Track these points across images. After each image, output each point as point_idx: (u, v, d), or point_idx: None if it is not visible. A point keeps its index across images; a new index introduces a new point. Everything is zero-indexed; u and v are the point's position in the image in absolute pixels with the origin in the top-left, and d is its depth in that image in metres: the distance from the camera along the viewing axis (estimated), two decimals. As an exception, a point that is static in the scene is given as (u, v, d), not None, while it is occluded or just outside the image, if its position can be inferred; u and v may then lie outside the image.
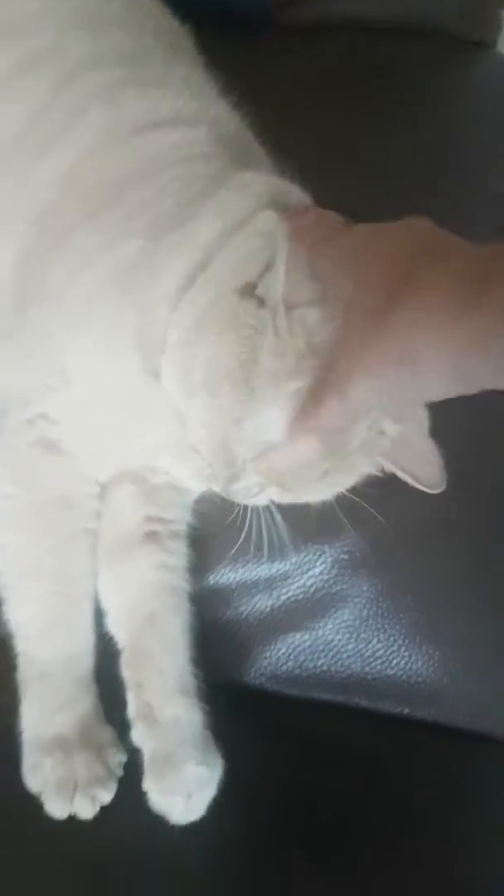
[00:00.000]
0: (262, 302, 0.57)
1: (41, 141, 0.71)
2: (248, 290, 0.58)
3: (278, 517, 0.66)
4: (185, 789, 0.64)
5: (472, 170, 1.00)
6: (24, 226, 0.70)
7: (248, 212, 0.62)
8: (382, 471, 0.62)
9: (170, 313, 0.62)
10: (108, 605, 0.73)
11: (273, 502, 0.65)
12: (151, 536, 0.73)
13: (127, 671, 0.70)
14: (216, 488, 0.62)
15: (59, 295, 0.68)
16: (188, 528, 0.77)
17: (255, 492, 0.62)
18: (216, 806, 0.66)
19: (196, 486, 0.73)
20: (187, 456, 0.64)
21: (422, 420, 0.61)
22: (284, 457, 0.57)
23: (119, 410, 0.69)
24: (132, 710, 0.68)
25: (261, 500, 0.63)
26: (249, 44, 0.91)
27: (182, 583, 0.74)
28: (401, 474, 0.61)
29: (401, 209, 0.57)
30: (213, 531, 0.78)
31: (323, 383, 0.54)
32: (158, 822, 0.66)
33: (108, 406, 0.69)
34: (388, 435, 0.60)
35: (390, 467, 0.61)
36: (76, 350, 0.68)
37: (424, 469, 0.61)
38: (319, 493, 0.62)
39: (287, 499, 0.63)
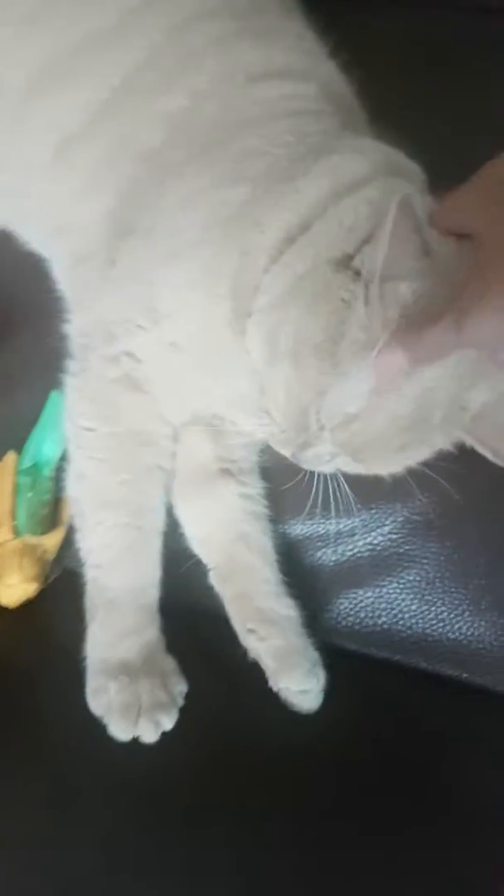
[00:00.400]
0: (357, 275, 0.57)
1: (153, 85, 0.72)
2: (344, 262, 0.58)
3: (342, 479, 0.66)
4: (315, 672, 0.71)
5: None
6: (131, 163, 0.72)
7: (360, 177, 0.62)
8: (459, 446, 0.62)
9: (268, 265, 0.63)
10: (195, 532, 0.77)
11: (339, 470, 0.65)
12: (225, 472, 0.77)
13: (226, 585, 0.75)
14: (285, 453, 0.63)
15: (162, 229, 0.69)
16: (257, 467, 0.78)
17: (325, 460, 0.62)
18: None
19: (262, 438, 0.73)
20: (259, 414, 0.65)
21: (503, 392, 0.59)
22: (364, 427, 0.58)
23: (203, 358, 0.70)
24: (241, 619, 0.74)
25: (328, 469, 0.64)
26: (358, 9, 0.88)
27: (263, 509, 0.78)
28: (480, 449, 0.60)
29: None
30: (277, 486, 0.79)
31: (430, 315, 0.53)
32: (216, 754, 0.68)
33: (193, 352, 0.70)
34: (469, 410, 0.59)
35: (470, 442, 0.60)
36: (172, 287, 0.69)
37: None
38: (392, 465, 0.63)
39: (357, 469, 0.63)
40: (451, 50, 0.93)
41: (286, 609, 0.74)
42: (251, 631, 0.72)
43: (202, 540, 0.76)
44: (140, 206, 0.71)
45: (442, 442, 0.61)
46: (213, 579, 0.76)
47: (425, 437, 0.60)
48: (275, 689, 0.71)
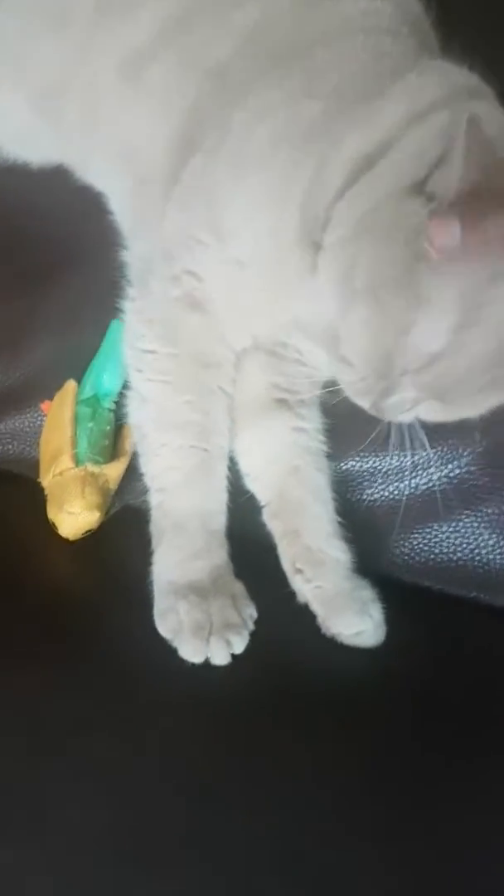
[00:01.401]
0: (431, 197, 0.55)
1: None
2: (417, 189, 0.56)
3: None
4: (367, 610, 0.68)
5: None
6: (200, 79, 0.71)
7: (437, 100, 0.60)
8: None
9: (341, 188, 0.61)
10: (248, 464, 0.75)
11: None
12: (282, 403, 0.75)
13: (276, 521, 0.73)
14: (364, 403, 0.62)
15: (230, 145, 0.68)
16: (318, 401, 0.76)
17: (407, 407, 0.61)
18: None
19: (328, 370, 0.71)
20: (335, 363, 0.63)
21: None
22: (449, 366, 0.56)
23: (268, 279, 0.68)
24: (289, 558, 0.71)
25: (408, 417, 0.62)
26: None
27: (319, 444, 0.76)
28: None
29: None
30: (347, 419, 0.75)
31: None
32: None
33: (258, 272, 0.68)
34: None
35: None
36: (238, 203, 0.67)
37: None
38: (479, 406, 0.61)
39: (440, 416, 0.62)
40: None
41: (336, 551, 0.71)
42: (298, 571, 0.71)
43: (254, 474, 0.75)
44: (208, 123, 0.70)
45: None
46: (265, 516, 0.74)
47: None
48: (328, 635, 0.69)
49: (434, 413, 0.62)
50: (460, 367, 0.57)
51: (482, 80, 0.65)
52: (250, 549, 0.73)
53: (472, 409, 0.62)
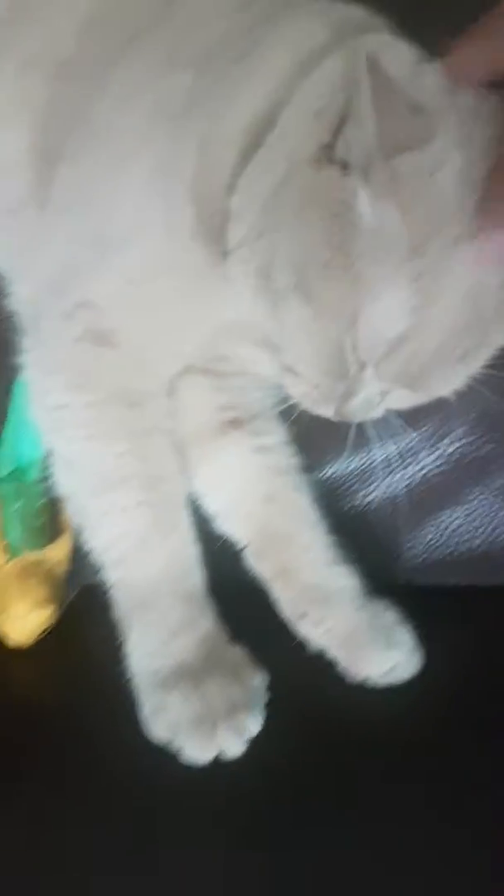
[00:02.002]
0: (345, 165, 0.48)
1: None
2: (325, 156, 0.49)
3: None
4: (394, 639, 0.60)
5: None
6: (44, 81, 0.62)
7: (322, 45, 0.53)
8: None
9: (235, 167, 0.53)
10: (214, 504, 0.66)
11: None
12: (235, 424, 0.66)
13: (263, 563, 0.64)
14: (327, 412, 0.55)
15: (96, 144, 0.59)
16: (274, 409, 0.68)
17: (376, 402, 0.54)
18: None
19: (276, 378, 0.62)
20: (280, 376, 0.56)
21: None
22: (417, 348, 0.49)
23: (173, 289, 0.59)
24: (289, 602, 0.63)
25: (380, 412, 0.56)
26: None
27: (287, 459, 0.67)
28: None
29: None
30: (315, 422, 0.65)
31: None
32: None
33: (160, 284, 0.59)
34: None
35: None
36: (118, 207, 0.58)
37: None
38: (456, 380, 0.54)
39: (413, 402, 0.56)
40: None
41: (340, 579, 0.63)
42: (303, 615, 0.62)
43: (223, 513, 0.66)
44: (65, 127, 0.61)
45: (500, 338, 0.53)
46: (249, 559, 0.65)
47: (483, 336, 0.51)
48: (356, 682, 0.60)
49: (405, 401, 0.55)
50: (430, 346, 0.49)
51: (371, 14, 0.58)
52: (242, 599, 0.63)
53: (447, 387, 0.54)
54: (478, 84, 0.48)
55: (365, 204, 0.47)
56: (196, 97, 0.55)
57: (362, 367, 0.51)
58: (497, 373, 0.55)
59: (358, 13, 0.57)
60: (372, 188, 0.46)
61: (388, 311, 0.48)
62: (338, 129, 0.48)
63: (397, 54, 0.50)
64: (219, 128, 0.54)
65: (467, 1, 0.48)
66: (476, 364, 0.54)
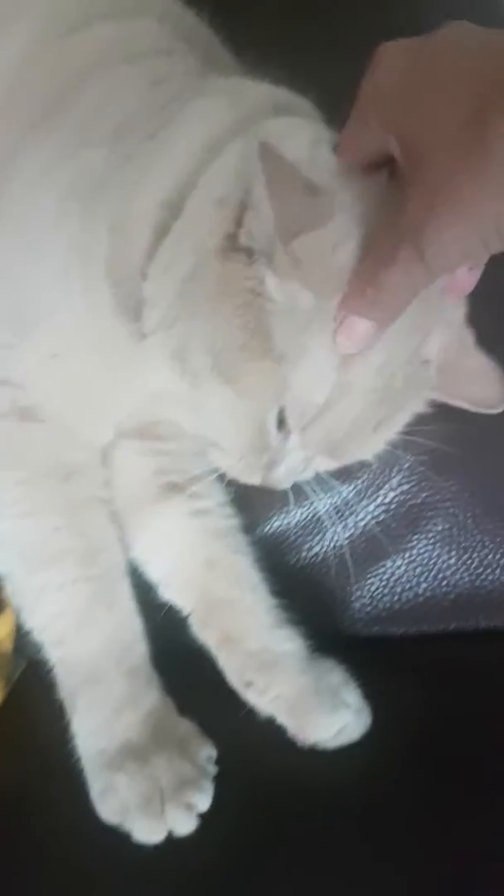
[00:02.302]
0: (250, 252, 0.48)
1: None
2: (230, 246, 0.49)
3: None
4: (341, 700, 0.59)
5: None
6: None
7: (233, 126, 0.53)
8: (433, 404, 0.56)
9: (149, 246, 0.53)
10: (157, 571, 0.65)
11: None
12: (172, 487, 0.65)
13: (206, 631, 0.63)
14: (252, 481, 0.55)
15: (10, 223, 0.58)
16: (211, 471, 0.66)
17: (300, 469, 0.55)
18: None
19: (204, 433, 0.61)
20: (205, 450, 0.57)
21: (463, 334, 0.54)
22: (338, 416, 0.50)
23: (97, 364, 0.59)
24: (234, 671, 0.62)
25: (306, 476, 0.56)
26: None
27: (227, 521, 0.67)
28: (455, 402, 0.55)
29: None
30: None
31: (378, 251, 0.44)
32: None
33: (83, 356, 0.58)
34: (431, 362, 0.53)
35: (442, 398, 0.55)
36: (36, 286, 0.58)
37: (481, 387, 0.54)
38: (374, 446, 0.56)
39: (336, 464, 0.56)
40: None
41: (284, 643, 0.62)
42: (249, 684, 0.61)
43: (164, 580, 0.65)
44: None
45: (414, 404, 0.56)
46: (193, 626, 0.64)
47: (397, 404, 0.54)
48: (305, 747, 0.59)
49: (328, 465, 0.56)
50: (347, 417, 0.51)
51: (290, 90, 0.58)
52: (191, 666, 0.63)
53: (365, 453, 0.56)
54: (365, 164, 0.49)
55: (273, 287, 0.47)
56: (107, 178, 0.55)
57: (285, 437, 0.52)
58: (414, 438, 0.57)
59: (272, 92, 0.57)
60: (277, 272, 0.47)
61: (311, 379, 0.49)
62: (239, 218, 0.49)
63: (297, 137, 0.51)
64: (129, 211, 0.54)
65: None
66: (393, 430, 0.55)
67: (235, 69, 0.67)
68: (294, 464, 0.54)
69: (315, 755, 0.60)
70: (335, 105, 0.53)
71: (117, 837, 0.54)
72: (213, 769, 0.57)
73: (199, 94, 0.56)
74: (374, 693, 0.62)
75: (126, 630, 0.60)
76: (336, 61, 0.69)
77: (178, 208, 0.52)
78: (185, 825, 0.54)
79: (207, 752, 0.57)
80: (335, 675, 0.61)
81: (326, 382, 0.49)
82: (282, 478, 0.54)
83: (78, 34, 0.62)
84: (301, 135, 0.51)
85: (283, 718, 0.60)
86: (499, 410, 0.54)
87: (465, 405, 0.55)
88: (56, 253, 0.56)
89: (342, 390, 0.50)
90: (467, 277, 0.50)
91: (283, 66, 0.58)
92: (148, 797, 0.54)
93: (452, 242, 0.41)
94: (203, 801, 0.55)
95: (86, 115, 0.57)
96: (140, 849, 0.54)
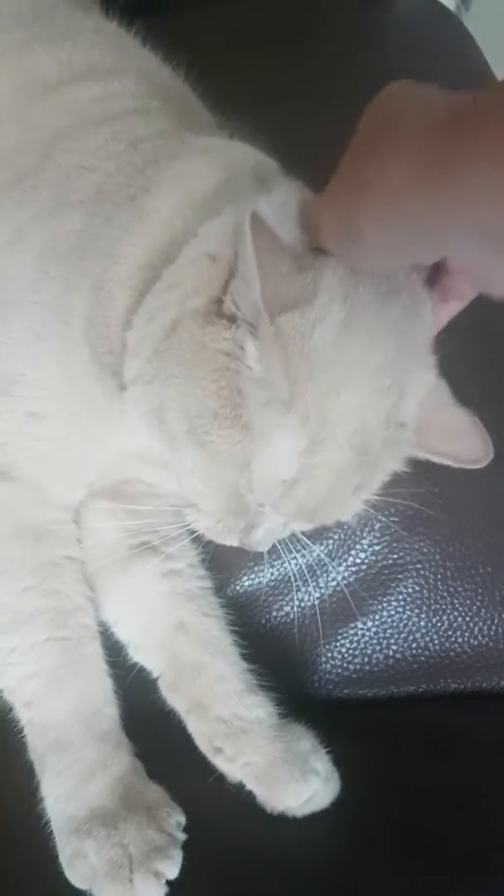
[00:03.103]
0: (232, 319, 0.49)
1: None
2: (214, 310, 0.50)
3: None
4: (310, 767, 0.59)
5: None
6: None
7: (211, 191, 0.55)
8: (410, 462, 0.57)
9: (128, 307, 0.54)
10: (127, 633, 0.65)
11: None
12: (143, 548, 0.65)
13: (176, 695, 0.63)
14: (231, 543, 0.56)
15: None
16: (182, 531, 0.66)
17: (279, 532, 0.56)
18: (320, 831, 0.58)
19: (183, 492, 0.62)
20: (183, 510, 0.58)
21: (439, 390, 0.55)
22: (310, 488, 0.51)
23: (74, 423, 0.60)
24: (203, 736, 0.61)
25: (285, 535, 0.57)
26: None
27: (199, 582, 0.67)
28: (438, 460, 0.55)
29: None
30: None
31: None
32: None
33: (57, 416, 0.60)
34: (408, 424, 0.53)
35: (423, 456, 0.55)
36: (14, 345, 0.59)
37: (463, 444, 0.54)
38: (352, 507, 0.56)
39: (312, 526, 0.57)
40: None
41: (254, 710, 0.62)
42: (218, 750, 0.61)
43: (134, 642, 0.65)
44: None
45: (392, 465, 0.56)
46: (163, 689, 0.64)
47: (374, 467, 0.54)
48: (275, 814, 0.59)
49: (305, 526, 0.57)
50: (321, 487, 0.51)
51: (255, 147, 0.60)
52: (162, 730, 0.63)
53: (344, 515, 0.56)
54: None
55: (253, 356, 0.49)
56: (87, 240, 0.56)
57: (261, 505, 0.53)
58: (391, 499, 0.58)
59: (249, 153, 0.59)
60: (260, 342, 0.48)
61: (278, 456, 0.50)
62: (226, 283, 0.50)
63: (276, 197, 0.53)
64: (111, 273, 0.55)
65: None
66: (370, 491, 0.56)
67: (208, 122, 0.69)
68: (272, 526, 0.54)
69: (284, 821, 0.60)
70: (305, 154, 0.55)
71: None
72: (181, 836, 0.56)
73: (174, 157, 0.57)
74: (342, 758, 0.62)
75: (96, 693, 0.60)
76: (307, 111, 0.73)
77: (165, 260, 0.53)
78: (153, 893, 0.53)
79: (176, 819, 0.57)
80: (305, 742, 0.61)
81: (291, 465, 0.50)
82: (260, 540, 0.55)
83: (56, 94, 0.64)
84: (274, 198, 0.53)
85: (252, 785, 0.60)
86: (482, 465, 0.54)
87: (447, 462, 0.55)
88: (33, 312, 0.57)
89: (310, 470, 0.50)
90: (442, 310, 0.51)
91: (254, 116, 0.61)
92: (116, 864, 0.53)
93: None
94: (171, 869, 0.54)
95: (66, 175, 0.59)
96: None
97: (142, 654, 0.65)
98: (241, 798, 0.61)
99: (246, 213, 0.47)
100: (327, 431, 0.49)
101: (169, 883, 0.55)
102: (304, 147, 0.59)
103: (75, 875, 0.54)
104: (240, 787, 0.61)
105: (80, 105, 0.63)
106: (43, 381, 0.59)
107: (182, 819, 0.57)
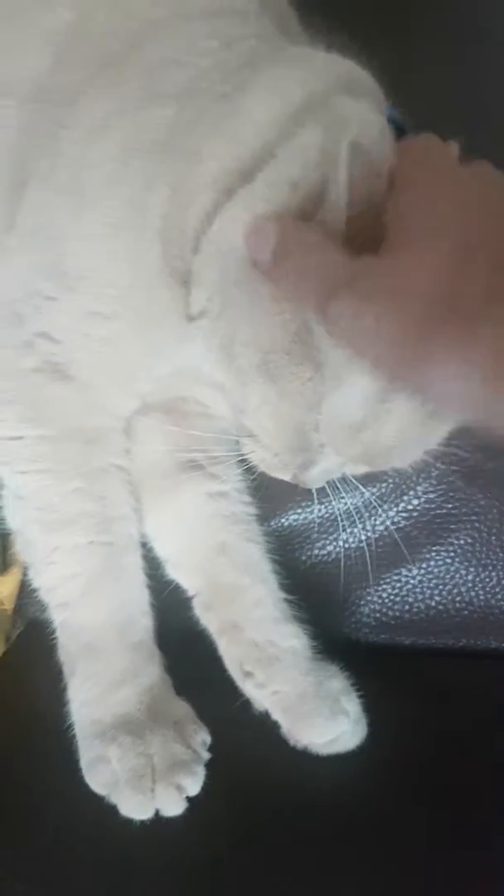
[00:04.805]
0: None
1: (27, 3, 0.62)
2: None
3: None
4: (340, 707, 0.59)
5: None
6: (15, 103, 0.60)
7: (314, 97, 0.52)
8: None
9: (207, 212, 0.51)
10: (165, 549, 0.65)
11: None
12: (192, 467, 0.65)
13: (210, 614, 0.63)
14: (284, 477, 0.55)
15: (66, 171, 0.57)
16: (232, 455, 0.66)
17: (334, 472, 0.55)
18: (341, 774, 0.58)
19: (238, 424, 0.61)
20: (241, 439, 0.57)
21: None
22: (376, 435, 0.50)
23: (136, 328, 0.58)
24: (234, 660, 0.61)
25: (337, 475, 0.56)
26: None
27: (244, 507, 0.66)
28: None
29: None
30: None
31: None
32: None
33: (122, 321, 0.57)
34: None
35: None
36: (84, 240, 0.57)
37: None
38: (412, 456, 0.54)
39: (368, 470, 0.56)
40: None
41: (289, 639, 0.61)
42: (248, 674, 0.61)
43: (173, 559, 0.65)
44: (34, 152, 0.59)
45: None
46: (197, 609, 0.64)
47: (439, 417, 0.52)
48: (298, 748, 0.59)
49: (362, 470, 0.56)
50: (387, 434, 0.49)
51: (352, 63, 0.57)
52: (192, 649, 0.63)
53: (404, 463, 0.54)
54: None
55: None
56: (174, 135, 0.54)
57: (322, 445, 0.52)
58: (451, 449, 0.56)
59: (344, 65, 0.56)
60: None
61: (348, 400, 0.48)
62: (310, 212, 0.47)
63: (373, 121, 0.50)
64: (195, 172, 0.53)
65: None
66: (434, 441, 0.54)
67: (304, 36, 0.66)
68: (329, 466, 0.53)
69: (305, 756, 0.60)
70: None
71: (105, 807, 0.54)
72: (206, 755, 0.56)
73: (273, 61, 0.55)
74: (373, 704, 0.61)
75: (133, 602, 0.60)
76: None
77: (247, 176, 0.51)
78: (173, 807, 0.54)
79: (202, 737, 0.57)
80: (337, 682, 0.60)
81: (360, 409, 0.49)
82: (315, 478, 0.54)
83: None
84: (371, 121, 0.50)
85: (278, 715, 0.60)
86: None
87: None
88: (111, 205, 0.55)
89: (378, 416, 0.49)
90: None
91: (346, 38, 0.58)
92: (139, 773, 0.53)
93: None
94: (194, 785, 0.54)
95: (156, 68, 0.56)
96: (125, 822, 0.54)
97: (180, 571, 0.64)
98: (265, 727, 0.60)
99: (342, 140, 0.45)
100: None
101: (188, 800, 0.54)
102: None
103: (95, 780, 0.54)
104: (265, 715, 0.60)
105: None
106: (111, 279, 0.57)
107: (207, 738, 0.57)
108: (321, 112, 0.51)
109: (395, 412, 0.49)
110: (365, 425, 0.49)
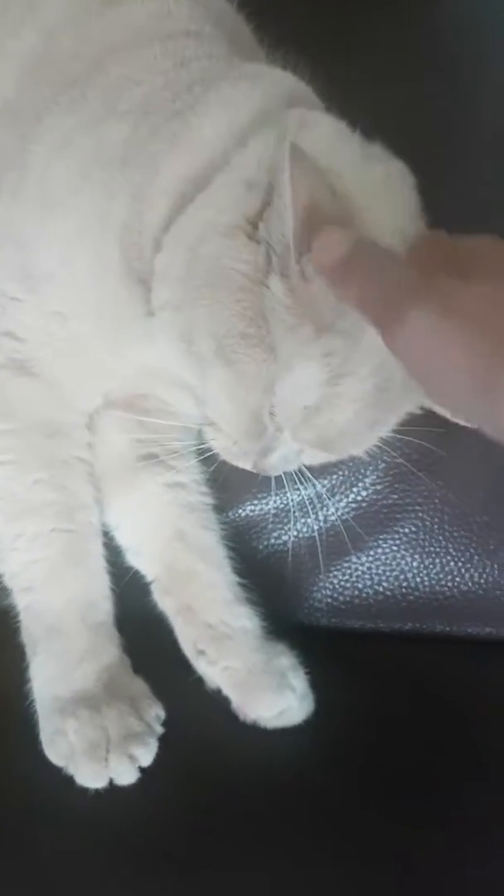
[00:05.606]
0: (266, 247, 0.50)
1: None
2: (244, 230, 0.51)
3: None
4: (287, 683, 0.62)
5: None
6: None
7: (256, 116, 0.55)
8: (421, 407, 0.57)
9: (164, 220, 0.55)
10: (125, 537, 0.68)
11: None
12: (151, 458, 0.68)
13: (167, 598, 0.66)
14: (244, 466, 0.58)
15: (32, 182, 0.61)
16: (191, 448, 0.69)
17: (292, 460, 0.57)
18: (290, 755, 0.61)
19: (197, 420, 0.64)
20: (203, 428, 0.59)
21: None
22: (330, 418, 0.52)
23: (97, 328, 0.61)
24: (189, 639, 0.65)
25: (295, 466, 0.58)
26: None
27: (202, 498, 0.69)
28: (438, 409, 0.54)
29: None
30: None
31: None
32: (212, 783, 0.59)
33: (84, 322, 0.61)
34: None
35: (428, 403, 0.55)
36: (49, 244, 0.61)
37: None
38: (365, 443, 0.57)
39: (327, 458, 0.59)
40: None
41: (240, 619, 0.65)
42: (201, 652, 0.64)
43: (133, 547, 0.68)
44: (3, 164, 0.63)
45: (408, 406, 0.57)
46: (155, 594, 0.67)
47: (392, 406, 0.55)
48: (248, 722, 0.62)
49: (320, 458, 0.58)
50: (341, 418, 0.52)
51: (298, 78, 0.61)
52: (150, 632, 0.67)
53: (359, 449, 0.57)
54: None
55: (278, 288, 0.50)
56: (131, 149, 0.57)
57: (280, 429, 0.54)
58: (403, 437, 0.59)
59: (288, 82, 0.60)
60: (287, 279, 0.49)
61: (300, 383, 0.51)
62: (261, 209, 0.50)
63: (318, 128, 0.54)
64: (152, 182, 0.56)
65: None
66: (386, 428, 0.57)
67: (257, 53, 0.70)
68: (287, 453, 0.56)
69: (254, 731, 0.63)
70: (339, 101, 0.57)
71: (63, 780, 0.58)
72: (159, 729, 0.60)
73: (223, 79, 0.58)
74: (320, 682, 0.65)
75: (94, 586, 0.63)
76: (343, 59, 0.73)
77: (200, 185, 0.54)
78: (126, 776, 0.57)
79: (156, 712, 0.60)
80: (285, 659, 0.64)
81: (312, 393, 0.51)
82: (274, 465, 0.56)
83: (114, 7, 0.65)
84: (316, 126, 0.54)
85: (228, 690, 0.63)
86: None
87: (447, 414, 0.55)
88: (73, 213, 0.59)
89: (330, 399, 0.52)
90: None
91: (295, 55, 0.62)
92: (94, 744, 0.57)
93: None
94: (146, 756, 0.58)
95: (114, 87, 0.60)
96: (82, 794, 0.57)
97: (139, 558, 0.68)
98: (217, 703, 0.64)
99: (286, 145, 0.48)
100: (350, 365, 0.51)
101: (141, 770, 0.58)
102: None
103: (54, 752, 0.58)
104: (217, 692, 0.64)
105: (135, 20, 0.64)
106: (73, 281, 0.60)
107: (161, 713, 0.60)
108: (271, 123, 0.55)
109: (346, 396, 0.51)
110: (318, 409, 0.52)
